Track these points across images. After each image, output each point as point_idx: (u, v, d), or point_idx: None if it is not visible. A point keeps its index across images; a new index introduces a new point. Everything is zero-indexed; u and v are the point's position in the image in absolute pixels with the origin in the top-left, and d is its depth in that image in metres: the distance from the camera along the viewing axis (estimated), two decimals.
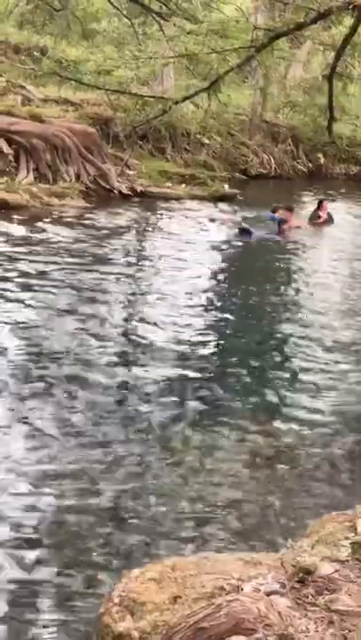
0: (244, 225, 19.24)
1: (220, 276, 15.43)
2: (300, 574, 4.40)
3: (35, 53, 22.77)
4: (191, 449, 7.77)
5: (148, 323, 11.69)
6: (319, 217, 22.24)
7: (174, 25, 20.68)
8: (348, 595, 4.25)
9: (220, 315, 12.75)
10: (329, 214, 22.43)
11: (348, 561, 4.62)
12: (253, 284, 14.94)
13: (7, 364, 9.31)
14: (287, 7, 25.28)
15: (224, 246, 17.91)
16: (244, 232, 18.77)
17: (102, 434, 7.90)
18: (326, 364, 10.52)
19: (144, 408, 8.62)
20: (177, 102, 22.91)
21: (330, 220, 22.35)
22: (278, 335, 11.82)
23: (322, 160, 35.93)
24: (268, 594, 4.20)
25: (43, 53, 22.34)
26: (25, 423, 7.90)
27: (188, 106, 25.44)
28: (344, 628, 3.97)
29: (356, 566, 4.56)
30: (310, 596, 4.23)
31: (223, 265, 16.51)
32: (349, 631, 3.94)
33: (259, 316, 12.88)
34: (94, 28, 24.37)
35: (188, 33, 20.33)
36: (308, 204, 26.52)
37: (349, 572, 4.48)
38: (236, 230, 19.06)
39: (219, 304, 13.34)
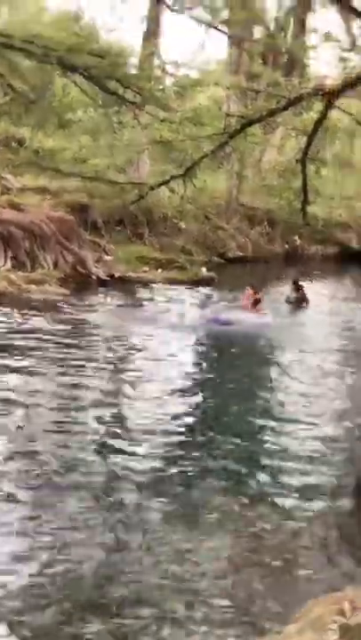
0: (221, 316, 19.07)
1: (199, 361, 15.45)
2: None
3: (12, 144, 23.09)
4: (176, 530, 7.69)
5: (130, 407, 11.69)
6: (295, 298, 22.41)
7: (148, 113, 21.03)
8: None
9: (200, 398, 12.76)
10: (304, 295, 22.59)
11: None
12: (232, 366, 14.97)
13: None
14: (259, 95, 25.79)
15: (201, 331, 17.88)
16: (216, 320, 18.74)
17: (85, 517, 7.83)
18: (305, 440, 10.54)
19: (127, 487, 8.59)
20: (153, 188, 23.21)
21: (305, 300, 22.51)
22: (259, 415, 11.81)
23: (298, 241, 36.37)
24: None
25: (20, 144, 22.67)
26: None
27: (164, 191, 25.74)
28: None
29: None
30: None
31: (201, 349, 16.51)
32: None
33: (240, 398, 12.85)
34: (70, 118, 24.76)
35: (162, 121, 20.71)
36: (285, 285, 26.81)
37: None
38: (210, 318, 18.95)
39: (199, 388, 13.34)
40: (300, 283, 23.34)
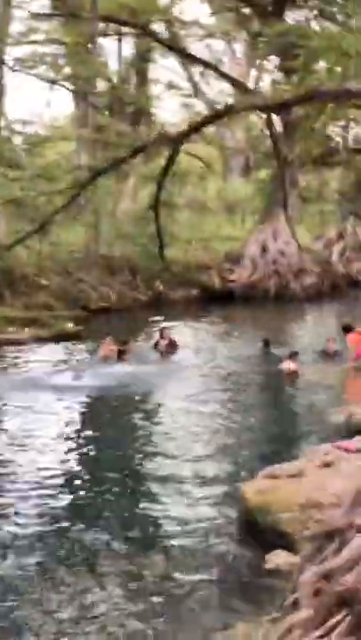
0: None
1: (76, 419, 15.34)
2: None
3: None
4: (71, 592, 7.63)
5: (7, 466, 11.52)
6: (162, 345, 22.47)
7: None
8: None
9: (74, 455, 12.69)
10: (172, 341, 22.70)
11: None
12: (110, 423, 14.92)
13: None
14: (107, 146, 26.12)
15: (75, 389, 17.68)
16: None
17: None
18: (183, 481, 10.63)
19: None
20: (9, 248, 23.18)
21: (173, 346, 22.60)
22: (139, 469, 11.83)
23: (161, 287, 36.61)
24: None
25: None
26: None
27: (21, 249, 25.69)
28: None
29: None
30: None
31: (78, 407, 16.33)
32: None
33: (119, 455, 12.82)
34: None
35: (12, 179, 20.72)
36: (153, 331, 27.03)
37: None
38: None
39: (79, 450, 13.23)
40: (167, 329, 23.44)
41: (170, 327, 24.15)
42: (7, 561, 8.32)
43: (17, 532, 9.13)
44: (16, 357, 22.24)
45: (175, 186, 31.86)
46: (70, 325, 27.04)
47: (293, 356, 19.44)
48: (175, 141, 21.70)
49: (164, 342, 22.52)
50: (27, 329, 26.19)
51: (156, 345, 22.60)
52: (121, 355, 20.38)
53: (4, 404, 16.21)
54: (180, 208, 39.78)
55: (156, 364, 21.02)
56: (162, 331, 23.21)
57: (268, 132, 29.43)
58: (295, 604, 5.77)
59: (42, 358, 21.95)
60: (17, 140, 23.39)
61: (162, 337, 22.75)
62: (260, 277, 38.00)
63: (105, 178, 24.63)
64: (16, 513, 9.71)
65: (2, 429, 14.39)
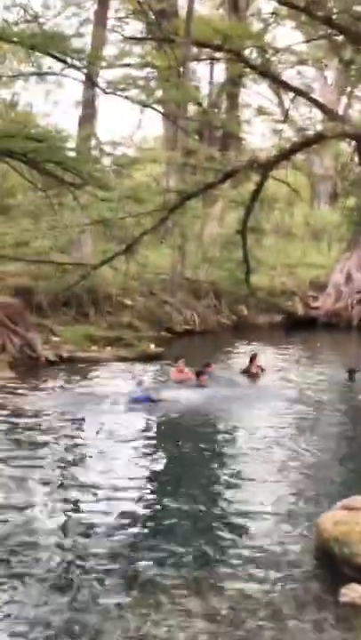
0: (138, 395, 18.12)
1: (149, 439, 15.34)
2: None
3: None
4: (137, 612, 7.58)
5: (84, 488, 11.57)
6: (251, 369, 22.45)
7: (88, 194, 21.24)
8: None
9: (154, 476, 12.71)
10: (260, 367, 22.67)
11: None
12: (184, 444, 14.87)
13: None
14: (196, 170, 26.23)
15: (151, 408, 17.68)
16: (135, 399, 17.88)
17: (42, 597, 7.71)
18: (262, 506, 10.56)
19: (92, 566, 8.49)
20: (96, 268, 23.40)
21: (260, 370, 22.57)
22: (212, 493, 11.79)
23: (245, 312, 36.63)
24: None
25: None
26: None
27: (107, 269, 25.91)
28: None
29: None
30: None
31: (152, 427, 16.34)
32: None
33: (194, 469, 12.82)
34: (10, 203, 24.92)
35: (101, 200, 20.92)
36: (236, 355, 27.03)
37: None
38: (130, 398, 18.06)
39: (151, 470, 13.27)
40: (256, 353, 23.39)
41: (259, 352, 24.01)
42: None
43: (94, 547, 9.18)
44: (97, 376, 22.44)
45: (263, 211, 31.76)
46: (153, 346, 27.19)
47: None
48: (265, 167, 21.75)
49: (253, 367, 22.47)
50: (109, 348, 26.44)
51: (245, 370, 22.55)
52: (199, 377, 20.36)
53: (79, 421, 16.31)
54: (267, 234, 39.73)
55: (239, 387, 20.92)
56: (253, 356, 23.12)
57: (357, 160, 29.27)
58: None
59: (122, 377, 22.08)
60: (106, 160, 23.67)
61: (251, 362, 22.69)
62: (343, 306, 37.82)
63: (193, 201, 24.75)
64: (94, 528, 9.75)
65: (77, 446, 14.46)
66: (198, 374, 20.52)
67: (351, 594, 7.82)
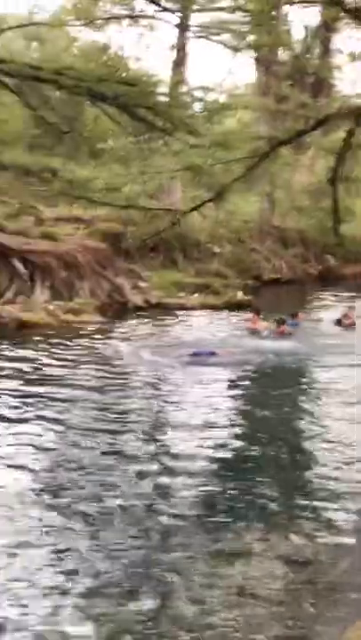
0: (202, 349, 17.55)
1: (241, 392, 15.20)
2: None
3: (45, 175, 23.29)
4: (221, 557, 7.62)
5: (172, 441, 11.55)
6: (345, 322, 22.09)
7: (178, 140, 21.15)
8: None
9: (238, 428, 12.66)
10: (353, 320, 22.23)
11: None
12: (276, 397, 14.72)
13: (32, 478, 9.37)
14: (287, 116, 25.93)
15: (233, 359, 17.28)
16: (198, 353, 17.15)
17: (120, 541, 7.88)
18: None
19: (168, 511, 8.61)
20: (185, 213, 23.39)
21: (354, 322, 22.10)
22: (300, 444, 11.72)
23: (332, 262, 36.34)
24: None
25: (53, 174, 22.85)
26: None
27: (196, 216, 25.90)
28: None
29: None
30: None
31: (231, 377, 16.12)
32: None
33: (281, 429, 12.69)
34: (101, 147, 24.95)
35: (191, 146, 20.81)
36: (326, 305, 26.83)
37: None
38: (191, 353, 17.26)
39: (235, 417, 13.29)
40: (354, 305, 23.04)
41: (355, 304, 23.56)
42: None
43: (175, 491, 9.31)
44: (183, 322, 22.52)
45: (354, 160, 31.21)
46: (240, 294, 27.16)
47: None
48: (357, 115, 21.36)
49: (347, 320, 22.14)
50: (196, 295, 26.51)
51: (339, 321, 22.24)
52: (279, 326, 20.22)
53: (160, 371, 16.08)
54: (359, 183, 39.15)
55: (329, 338, 20.48)
56: (349, 307, 22.85)
57: None
58: None
59: (208, 324, 22.13)
60: (197, 106, 23.45)
61: (346, 315, 22.36)
62: None
63: (284, 149, 24.51)
64: (176, 472, 9.85)
65: (154, 392, 14.51)
66: (279, 323, 20.40)
67: None
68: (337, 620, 6.45)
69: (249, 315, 21.89)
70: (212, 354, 17.14)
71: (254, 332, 20.61)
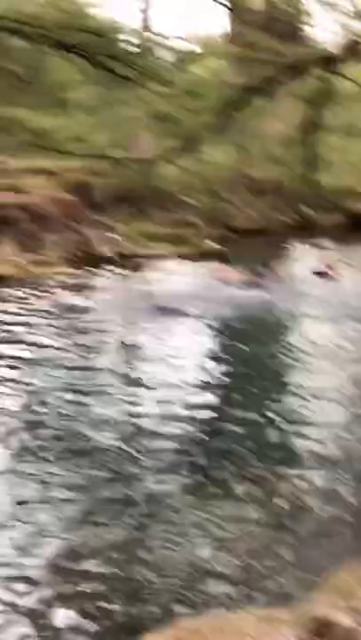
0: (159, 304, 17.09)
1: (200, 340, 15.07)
2: (319, 628, 4.18)
3: (9, 126, 22.87)
4: (199, 502, 7.63)
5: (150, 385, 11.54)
6: (324, 272, 21.83)
7: (147, 88, 20.77)
8: None
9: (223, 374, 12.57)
10: (334, 271, 21.99)
11: None
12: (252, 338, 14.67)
13: None
14: (259, 63, 25.50)
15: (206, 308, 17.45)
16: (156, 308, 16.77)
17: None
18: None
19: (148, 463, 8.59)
20: (154, 163, 23.04)
21: (334, 272, 21.87)
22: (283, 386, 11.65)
23: (307, 211, 36.01)
24: None
25: (17, 125, 22.46)
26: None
27: (167, 166, 25.53)
28: None
29: None
30: None
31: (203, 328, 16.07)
32: None
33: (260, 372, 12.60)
34: (67, 97, 24.52)
35: (160, 95, 20.48)
36: (301, 256, 26.66)
37: None
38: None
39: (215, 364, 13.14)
40: (333, 255, 22.73)
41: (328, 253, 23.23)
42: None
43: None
44: (154, 273, 22.29)
45: (327, 109, 30.85)
46: (213, 244, 26.93)
47: None
48: (330, 62, 21.04)
49: (327, 270, 21.86)
50: (169, 246, 26.20)
51: (318, 271, 21.96)
52: (255, 277, 20.03)
53: (129, 326, 15.92)
54: (332, 132, 38.83)
55: (304, 289, 20.23)
56: (329, 258, 22.55)
57: None
58: None
59: (180, 275, 21.90)
60: (166, 55, 23.06)
61: (326, 264, 22.06)
62: None
63: (255, 97, 24.12)
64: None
65: (122, 348, 14.32)
66: (255, 274, 20.19)
67: None
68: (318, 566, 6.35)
69: (220, 265, 21.64)
70: (181, 307, 16.79)
71: (225, 282, 20.37)
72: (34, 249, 22.66)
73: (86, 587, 6.22)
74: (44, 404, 10.51)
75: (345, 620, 4.15)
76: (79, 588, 6.19)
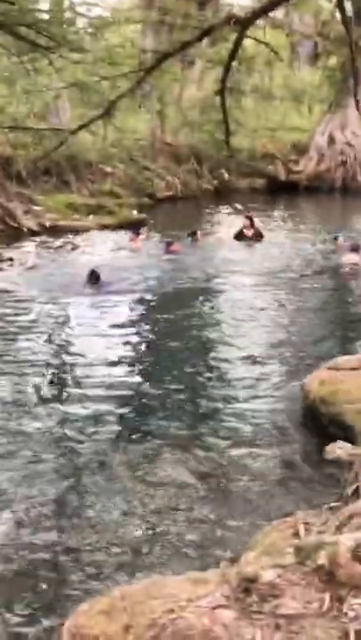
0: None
1: (130, 308, 15.18)
2: (244, 584, 4.32)
3: None
4: (131, 473, 7.69)
5: (73, 358, 11.57)
6: (247, 234, 21.95)
7: (62, 57, 20.61)
8: (293, 598, 4.19)
9: (144, 342, 12.69)
10: (257, 229, 22.17)
11: (291, 566, 4.55)
12: (173, 306, 14.80)
13: None
14: (173, 29, 25.52)
15: (141, 271, 17.66)
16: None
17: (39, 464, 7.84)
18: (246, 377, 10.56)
19: (83, 439, 8.55)
20: (73, 132, 22.87)
21: (259, 235, 22.05)
22: (202, 355, 11.80)
23: (226, 176, 36.19)
24: (213, 608, 4.13)
25: None
26: None
27: (87, 136, 25.41)
28: (291, 632, 3.91)
29: (299, 569, 4.49)
30: (255, 604, 4.16)
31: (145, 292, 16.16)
32: (297, 634, 3.89)
33: (181, 339, 12.73)
34: None
35: (76, 63, 20.35)
36: (221, 221, 26.82)
37: (292, 576, 4.40)
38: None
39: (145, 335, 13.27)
40: (252, 217, 22.82)
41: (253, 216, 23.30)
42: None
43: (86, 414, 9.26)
44: (79, 244, 22.27)
45: (241, 72, 31.04)
46: (135, 213, 27.01)
47: (356, 248, 19.08)
48: (242, 24, 21.06)
49: (249, 231, 21.97)
50: (91, 216, 26.19)
51: (238, 235, 22.07)
52: (168, 247, 20.15)
53: (62, 294, 15.86)
54: (246, 95, 39.00)
55: (225, 254, 20.43)
56: (248, 218, 22.59)
57: (338, 17, 28.42)
58: (356, 493, 5.75)
59: (105, 245, 21.92)
60: (81, 23, 22.88)
61: (247, 226, 22.12)
62: (326, 169, 37.42)
63: (171, 63, 24.11)
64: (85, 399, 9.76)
65: (60, 317, 14.36)
66: (168, 244, 20.28)
67: (336, 450, 7.87)
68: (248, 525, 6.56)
69: (133, 234, 21.66)
70: (105, 279, 16.51)
71: (137, 252, 20.51)
72: None
73: None
74: None
75: (269, 574, 4.30)
76: None
